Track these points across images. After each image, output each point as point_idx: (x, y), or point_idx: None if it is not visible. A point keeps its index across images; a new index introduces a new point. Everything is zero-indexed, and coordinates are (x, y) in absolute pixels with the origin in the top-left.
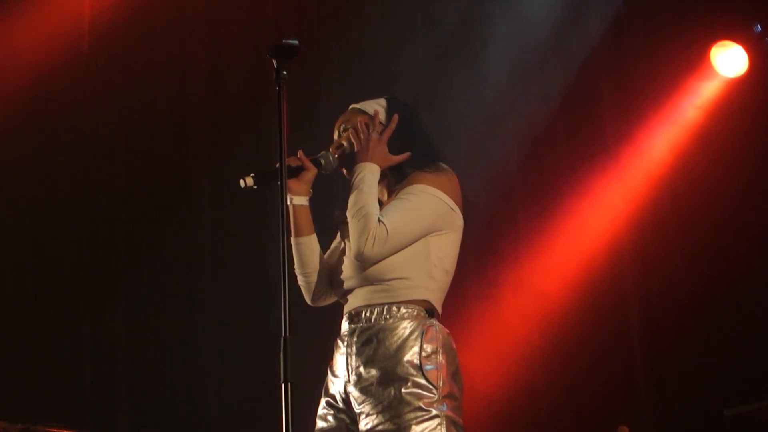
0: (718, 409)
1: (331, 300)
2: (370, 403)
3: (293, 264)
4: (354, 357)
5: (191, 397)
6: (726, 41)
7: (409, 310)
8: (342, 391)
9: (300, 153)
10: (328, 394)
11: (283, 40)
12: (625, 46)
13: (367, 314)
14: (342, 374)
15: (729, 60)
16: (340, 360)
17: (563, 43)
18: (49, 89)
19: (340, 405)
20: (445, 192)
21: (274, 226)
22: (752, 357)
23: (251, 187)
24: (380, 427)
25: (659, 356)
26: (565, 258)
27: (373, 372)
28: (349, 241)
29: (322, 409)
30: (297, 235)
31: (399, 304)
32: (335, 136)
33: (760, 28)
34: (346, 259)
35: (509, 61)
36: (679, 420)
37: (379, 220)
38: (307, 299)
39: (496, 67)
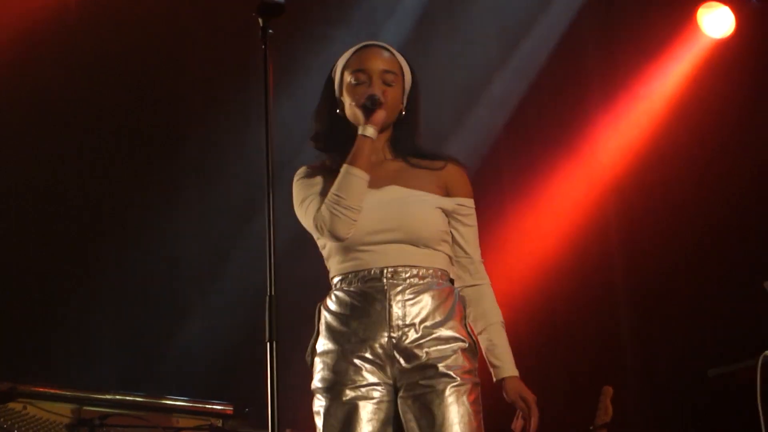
0: (701, 369)
1: None
2: (433, 359)
3: (349, 197)
4: (406, 311)
5: (177, 355)
6: (713, 2)
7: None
8: (383, 347)
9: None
10: (360, 357)
11: None
12: (612, 8)
13: (410, 272)
14: (373, 335)
15: (715, 21)
16: (372, 318)
17: (549, 7)
18: (34, 48)
19: (378, 363)
20: None
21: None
22: (735, 319)
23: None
24: (442, 383)
25: (645, 317)
26: (551, 218)
27: (434, 331)
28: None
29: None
30: (366, 170)
31: (440, 270)
32: (374, 77)
33: None
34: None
35: (494, 26)
36: (663, 380)
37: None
38: (345, 234)
39: (483, 30)
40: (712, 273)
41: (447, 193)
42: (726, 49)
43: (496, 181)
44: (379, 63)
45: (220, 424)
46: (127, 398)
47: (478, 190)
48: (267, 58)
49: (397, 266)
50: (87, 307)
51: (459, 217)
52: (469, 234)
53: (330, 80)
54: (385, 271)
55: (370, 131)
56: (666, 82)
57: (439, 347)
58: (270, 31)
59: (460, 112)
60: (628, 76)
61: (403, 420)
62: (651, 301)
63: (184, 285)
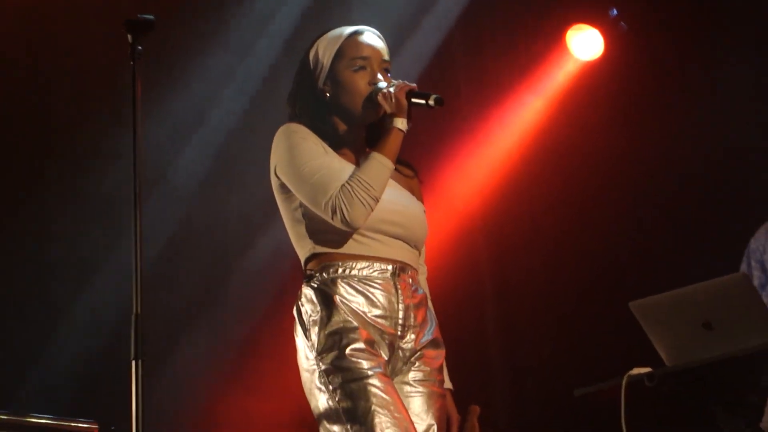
0: (568, 388)
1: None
2: (425, 364)
3: (378, 188)
4: (409, 312)
5: (41, 372)
6: (582, 24)
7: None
8: (389, 340)
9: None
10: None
11: (139, 15)
12: (482, 29)
13: (410, 274)
14: (392, 325)
15: (584, 43)
16: (384, 304)
17: (419, 27)
18: None
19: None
20: None
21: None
22: (602, 339)
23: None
24: (427, 386)
25: (512, 336)
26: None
27: (427, 336)
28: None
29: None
30: (394, 161)
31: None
32: (375, 65)
33: (615, 12)
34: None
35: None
36: (531, 399)
37: None
38: (361, 224)
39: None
40: (580, 293)
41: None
42: (595, 71)
43: None
44: (380, 52)
45: None
46: None
47: None
48: (135, 75)
49: (403, 263)
50: None
51: None
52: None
53: (307, 65)
54: (394, 267)
55: (404, 125)
56: (535, 103)
57: (433, 355)
58: (139, 47)
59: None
60: (497, 97)
61: None
62: (519, 319)
63: (50, 301)
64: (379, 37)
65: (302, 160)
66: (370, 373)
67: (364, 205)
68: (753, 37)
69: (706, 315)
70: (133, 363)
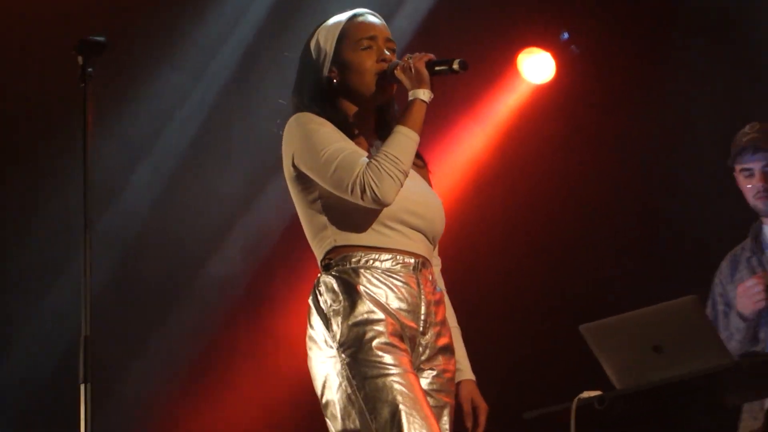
0: (517, 411)
1: None
2: (440, 375)
3: (406, 161)
4: (431, 308)
5: None
6: (533, 48)
7: None
8: (411, 335)
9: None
10: (396, 334)
11: (90, 37)
12: (432, 51)
13: (431, 270)
14: (414, 320)
15: (536, 66)
16: (408, 298)
17: None
18: None
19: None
20: None
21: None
22: (552, 362)
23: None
24: (442, 398)
25: None
26: None
27: (443, 341)
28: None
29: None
30: (420, 134)
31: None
32: (381, 44)
33: (567, 35)
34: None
35: None
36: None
37: None
38: (392, 199)
39: None
40: (530, 316)
41: None
42: (547, 94)
43: None
44: (384, 30)
45: None
46: None
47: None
48: (86, 97)
49: (424, 258)
50: None
51: None
52: None
53: (309, 55)
54: (417, 261)
55: (428, 96)
56: (486, 126)
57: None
58: (90, 69)
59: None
60: (448, 120)
61: None
62: (467, 342)
63: None
64: (380, 18)
65: (323, 144)
66: (396, 370)
67: (393, 179)
68: (703, 57)
69: (656, 338)
70: (82, 387)
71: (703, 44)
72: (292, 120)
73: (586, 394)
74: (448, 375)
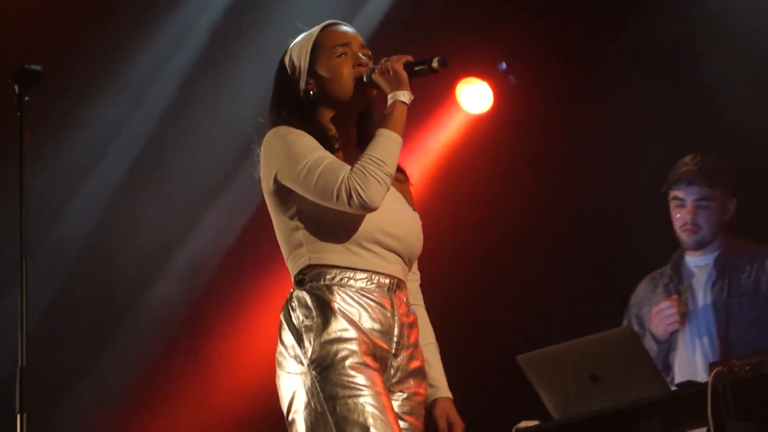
0: None
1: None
2: (411, 398)
3: (390, 163)
4: (404, 330)
5: None
6: (471, 78)
7: None
8: (383, 356)
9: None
10: (369, 354)
11: (26, 66)
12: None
13: (405, 292)
14: (387, 341)
15: (474, 97)
16: (381, 319)
17: None
18: None
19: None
20: None
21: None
22: (490, 391)
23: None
24: (413, 418)
25: None
26: None
27: (415, 364)
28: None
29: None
30: (402, 135)
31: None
32: (356, 50)
33: (505, 65)
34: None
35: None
36: None
37: None
38: (379, 203)
39: (249, 91)
40: (467, 346)
41: None
42: (485, 124)
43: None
44: (357, 37)
45: None
46: None
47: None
48: (23, 125)
49: (399, 279)
50: None
51: None
52: None
53: (284, 72)
54: (391, 282)
55: (408, 97)
56: (425, 156)
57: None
58: (26, 98)
59: (227, 175)
60: None
61: None
62: None
63: None
64: (351, 27)
65: (304, 155)
66: (368, 391)
67: (379, 182)
68: (645, 86)
69: (593, 368)
70: (18, 417)
71: (643, 73)
72: (270, 134)
73: (523, 424)
74: (418, 398)
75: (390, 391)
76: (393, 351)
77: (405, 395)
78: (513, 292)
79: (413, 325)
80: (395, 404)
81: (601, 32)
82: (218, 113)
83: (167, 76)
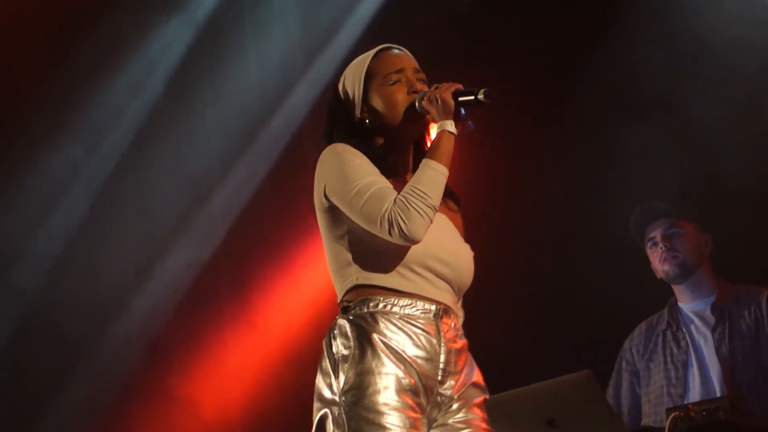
0: None
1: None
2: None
3: (434, 196)
4: (451, 357)
5: None
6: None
7: None
8: (428, 384)
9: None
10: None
11: None
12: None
13: (453, 318)
14: (431, 368)
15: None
16: (426, 346)
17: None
18: None
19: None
20: None
21: None
22: None
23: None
24: (474, 424)
25: None
26: (291, 302)
27: (468, 381)
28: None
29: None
30: (448, 166)
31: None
32: (410, 75)
33: (464, 111)
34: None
35: (217, 136)
36: None
37: None
38: (422, 236)
39: (205, 142)
40: None
41: None
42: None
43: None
44: (411, 61)
45: None
46: None
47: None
48: None
49: (446, 306)
50: None
51: None
52: None
53: (338, 99)
54: (438, 308)
55: (454, 128)
56: None
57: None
58: None
59: (186, 221)
60: None
61: None
62: None
63: None
64: (405, 50)
65: (355, 177)
66: (395, 430)
67: (422, 215)
68: (605, 124)
69: (550, 412)
70: None
71: (623, 118)
72: (327, 149)
73: None
74: (478, 409)
75: (436, 420)
76: (439, 378)
77: (461, 409)
78: (479, 329)
79: (461, 351)
80: (451, 419)
81: (577, 77)
82: (175, 159)
83: (125, 119)
